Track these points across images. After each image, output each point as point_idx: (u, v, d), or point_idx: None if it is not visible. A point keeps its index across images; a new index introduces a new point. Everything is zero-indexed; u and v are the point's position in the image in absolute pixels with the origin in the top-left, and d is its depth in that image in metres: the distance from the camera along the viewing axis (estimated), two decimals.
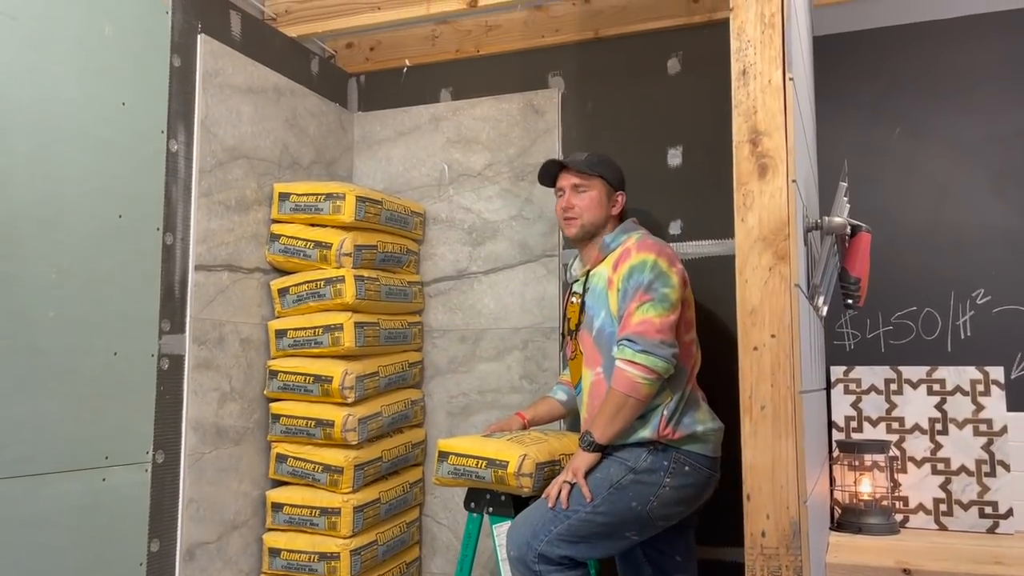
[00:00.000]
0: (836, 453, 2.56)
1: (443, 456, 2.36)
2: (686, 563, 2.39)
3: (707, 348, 2.49)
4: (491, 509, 2.33)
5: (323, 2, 2.95)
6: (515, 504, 2.31)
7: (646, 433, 2.16)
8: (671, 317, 2.15)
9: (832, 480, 2.56)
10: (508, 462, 2.23)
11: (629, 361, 2.12)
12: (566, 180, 2.39)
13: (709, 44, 2.85)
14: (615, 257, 2.27)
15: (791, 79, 1.56)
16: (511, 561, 2.16)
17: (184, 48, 2.48)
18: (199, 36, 2.53)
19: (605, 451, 2.20)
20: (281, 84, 2.88)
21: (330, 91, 3.18)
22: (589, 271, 2.35)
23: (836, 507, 2.56)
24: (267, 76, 2.82)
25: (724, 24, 2.50)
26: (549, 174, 2.45)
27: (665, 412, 2.17)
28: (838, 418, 2.64)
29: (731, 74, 1.61)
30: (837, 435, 2.62)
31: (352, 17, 2.92)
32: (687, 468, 2.17)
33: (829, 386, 2.66)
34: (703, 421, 2.22)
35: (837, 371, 2.66)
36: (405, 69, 3.25)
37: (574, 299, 2.38)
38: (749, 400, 1.54)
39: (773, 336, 1.53)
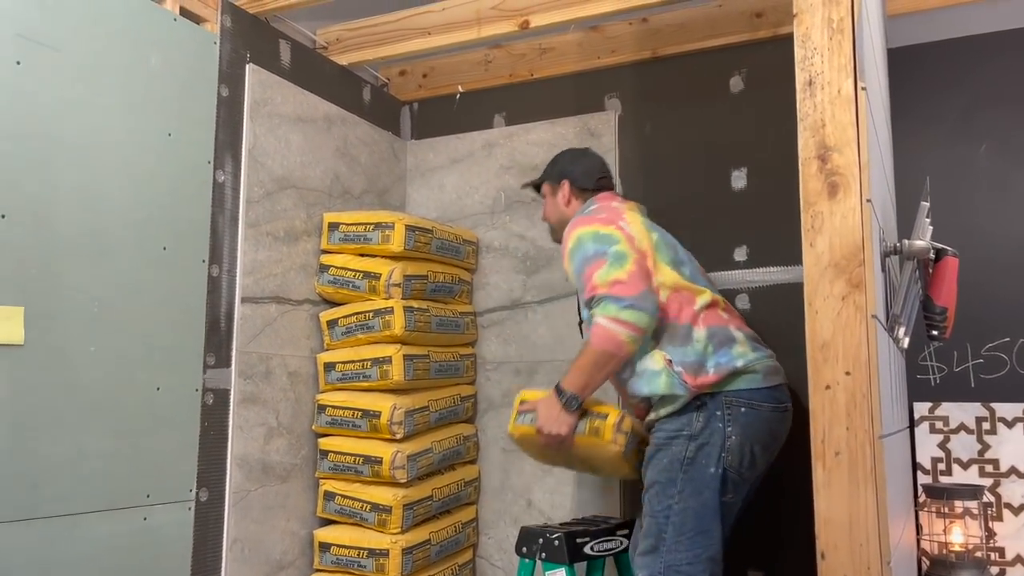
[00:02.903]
0: (922, 499, 2.35)
1: (523, 409, 2.23)
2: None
3: None
4: (544, 555, 2.20)
5: (373, 29, 2.90)
6: (569, 550, 2.17)
7: (679, 391, 2.04)
8: (636, 268, 2.07)
9: (918, 528, 2.34)
10: (608, 415, 2.13)
11: (614, 318, 2.02)
12: None
13: (774, 60, 2.69)
14: (563, 245, 2.25)
15: (863, 88, 1.41)
16: None
17: (232, 78, 2.45)
18: (248, 66, 2.51)
19: (652, 430, 2.11)
20: (332, 113, 2.84)
21: (382, 119, 3.13)
22: None
23: (923, 558, 2.34)
24: (317, 105, 2.78)
25: (790, 39, 2.37)
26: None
27: (679, 368, 2.04)
28: (923, 460, 2.42)
29: (796, 85, 1.48)
30: (923, 478, 2.41)
31: (403, 43, 2.87)
32: (743, 409, 2.03)
33: (912, 425, 2.45)
34: (743, 355, 2.07)
35: (921, 408, 2.45)
36: (458, 95, 3.18)
37: None
38: (822, 445, 1.38)
39: (848, 373, 1.37)
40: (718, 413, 2.03)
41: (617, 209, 2.28)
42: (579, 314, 2.42)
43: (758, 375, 2.07)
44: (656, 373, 2.07)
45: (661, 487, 2.05)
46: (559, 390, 2.12)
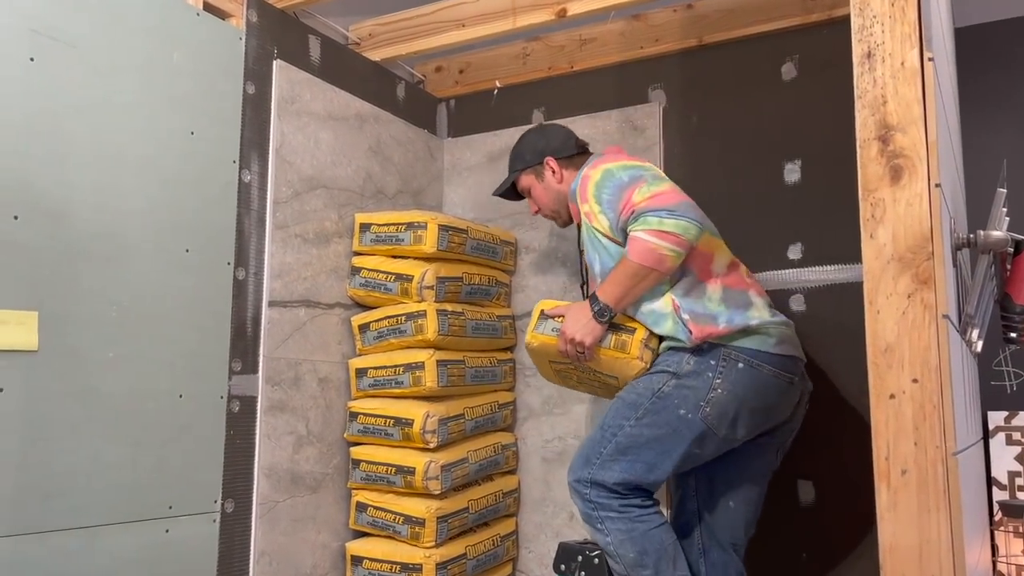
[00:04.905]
0: (998, 516, 2.15)
1: (545, 317, 2.17)
2: (739, 511, 2.11)
3: (832, 396, 2.16)
4: (583, 573, 2.06)
5: (407, 23, 2.81)
6: (610, 569, 2.03)
7: (681, 337, 1.98)
8: (675, 186, 2.03)
9: (994, 550, 2.14)
10: (636, 330, 2.05)
11: (656, 231, 1.91)
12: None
13: (829, 45, 2.51)
14: (579, 195, 2.14)
15: (930, 59, 1.25)
16: (568, 488, 2.05)
17: (259, 75, 2.38)
18: (275, 62, 2.43)
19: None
20: (364, 111, 2.75)
21: (417, 117, 3.03)
22: (579, 227, 2.23)
23: None
24: (349, 102, 2.69)
25: (846, 22, 2.22)
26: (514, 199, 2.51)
27: (686, 315, 1.96)
28: (999, 474, 2.22)
29: (852, 59, 1.32)
30: (999, 494, 2.21)
31: (436, 36, 2.77)
32: (741, 365, 1.94)
33: (987, 436, 2.25)
34: (758, 316, 2.00)
35: (996, 417, 2.25)
36: (496, 91, 3.07)
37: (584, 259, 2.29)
38: (886, 462, 1.22)
39: (915, 381, 1.22)
40: (712, 363, 1.95)
41: (634, 157, 2.22)
42: (582, 274, 2.39)
43: (770, 338, 1.98)
44: (663, 315, 2.01)
45: (624, 406, 2.01)
46: (593, 298, 2.02)
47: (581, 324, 2.03)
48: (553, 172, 2.31)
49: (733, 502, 2.12)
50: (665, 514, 2.13)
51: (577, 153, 2.33)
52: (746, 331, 1.96)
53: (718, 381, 1.93)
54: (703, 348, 1.96)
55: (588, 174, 2.12)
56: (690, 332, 1.95)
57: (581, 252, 2.28)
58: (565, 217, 2.35)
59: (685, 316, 1.96)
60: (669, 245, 1.91)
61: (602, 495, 1.96)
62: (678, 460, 1.97)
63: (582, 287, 2.50)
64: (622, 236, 2.02)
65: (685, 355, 1.98)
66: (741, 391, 1.94)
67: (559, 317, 2.11)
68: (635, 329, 2.05)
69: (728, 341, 1.95)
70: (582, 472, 2.00)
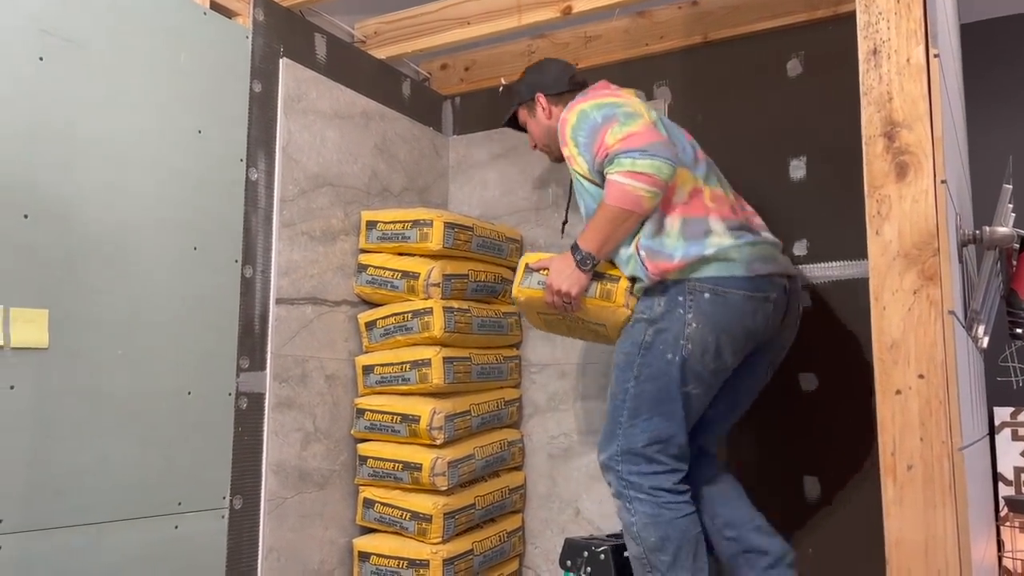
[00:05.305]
0: (1004, 512, 2.15)
1: (530, 271, 2.18)
2: (710, 422, 2.11)
3: (838, 392, 2.16)
4: (589, 569, 2.08)
5: (412, 21, 2.82)
6: (616, 566, 2.04)
7: (640, 275, 1.99)
8: (650, 122, 1.98)
9: (1000, 545, 2.15)
10: (620, 278, 2.05)
11: (630, 172, 1.90)
12: None
13: (835, 41, 2.52)
14: (560, 137, 2.16)
15: (936, 55, 1.25)
16: (601, 468, 2.04)
17: (265, 73, 2.38)
18: (281, 60, 2.44)
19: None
20: (370, 108, 2.76)
21: (423, 114, 3.04)
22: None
23: None
24: (355, 100, 2.69)
25: (852, 18, 2.22)
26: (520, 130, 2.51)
27: (643, 252, 1.97)
28: (1005, 470, 2.22)
29: (858, 56, 1.32)
30: (1005, 490, 2.21)
31: (442, 34, 2.77)
32: (707, 295, 1.94)
33: (992, 432, 2.25)
34: (717, 244, 1.97)
35: (1002, 413, 2.25)
36: (501, 88, 3.07)
37: None
38: (892, 458, 1.22)
39: (921, 377, 1.22)
40: (680, 299, 1.95)
41: (615, 89, 2.19)
42: (566, 214, 2.42)
43: (733, 263, 1.96)
44: (629, 257, 2.02)
45: (620, 370, 2.02)
46: (575, 248, 2.03)
47: (566, 275, 2.03)
48: (543, 108, 2.33)
49: (711, 410, 2.10)
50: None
51: (568, 90, 2.32)
52: (704, 260, 1.95)
53: (689, 316, 1.93)
54: (668, 286, 1.97)
55: (565, 117, 2.13)
56: (646, 269, 1.96)
57: (571, 190, 2.28)
58: (557, 153, 2.32)
59: (642, 253, 1.97)
60: (644, 186, 1.90)
61: (634, 470, 1.95)
62: (683, 404, 1.96)
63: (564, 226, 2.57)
64: (600, 178, 2.03)
65: (655, 298, 1.98)
66: (715, 320, 1.94)
67: (544, 270, 2.11)
68: (619, 277, 2.06)
69: (689, 274, 1.95)
70: (611, 447, 2.00)
